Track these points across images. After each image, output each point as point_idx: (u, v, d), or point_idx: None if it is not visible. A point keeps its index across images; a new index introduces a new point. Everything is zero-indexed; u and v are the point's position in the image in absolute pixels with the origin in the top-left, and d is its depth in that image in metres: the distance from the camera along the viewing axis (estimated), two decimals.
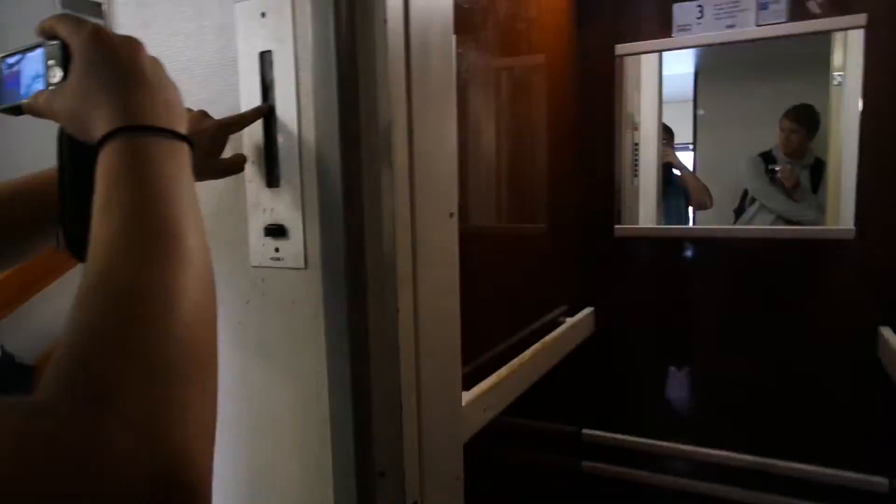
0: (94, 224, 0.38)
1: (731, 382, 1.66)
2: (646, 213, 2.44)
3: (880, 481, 1.47)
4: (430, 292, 0.85)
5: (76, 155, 0.47)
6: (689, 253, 1.69)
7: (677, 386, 1.73)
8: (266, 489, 0.86)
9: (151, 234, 0.37)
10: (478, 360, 1.17)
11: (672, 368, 1.72)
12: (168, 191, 0.40)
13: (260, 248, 0.81)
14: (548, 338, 1.39)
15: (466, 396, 1.03)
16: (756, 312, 1.61)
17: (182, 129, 0.46)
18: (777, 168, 2.90)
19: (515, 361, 1.22)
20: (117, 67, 0.44)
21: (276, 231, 0.79)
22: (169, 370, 0.32)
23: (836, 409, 1.54)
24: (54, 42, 0.46)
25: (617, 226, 1.70)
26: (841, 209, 1.66)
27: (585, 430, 1.80)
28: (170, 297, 0.35)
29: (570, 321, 1.55)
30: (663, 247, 1.71)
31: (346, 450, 0.79)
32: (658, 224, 2.11)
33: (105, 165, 0.40)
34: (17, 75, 0.48)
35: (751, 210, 3.15)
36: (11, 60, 0.49)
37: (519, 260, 1.39)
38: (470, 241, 1.16)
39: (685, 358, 1.70)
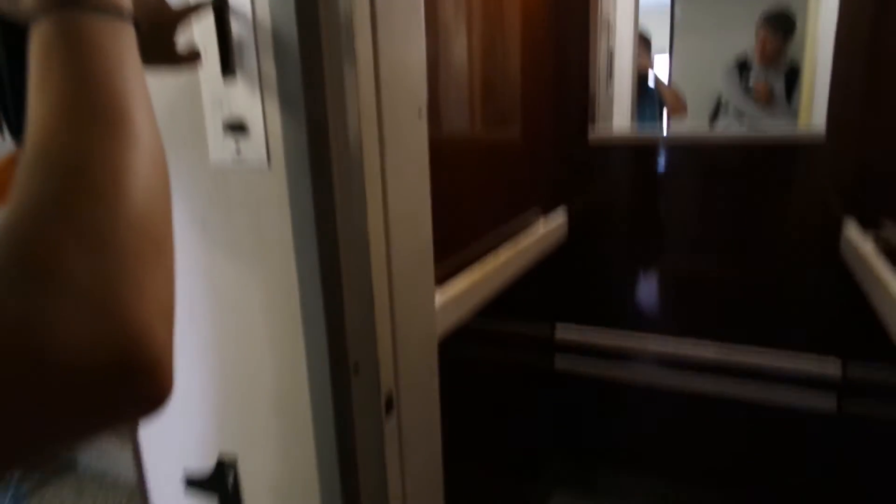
0: (29, 107, 0.35)
1: (700, 279, 1.70)
2: (620, 120, 2.41)
3: (834, 360, 1.56)
4: (399, 188, 0.84)
5: (9, 35, 0.43)
6: (662, 159, 1.69)
7: (650, 284, 1.77)
8: (241, 389, 0.87)
9: (92, 108, 0.35)
10: (451, 260, 1.17)
11: (645, 267, 1.76)
12: (109, 67, 0.37)
13: (220, 145, 0.78)
14: (521, 239, 1.40)
15: (440, 295, 1.04)
16: (726, 214, 1.64)
17: (125, 6, 0.42)
18: (752, 84, 2.88)
19: (489, 262, 1.23)
20: None
21: (235, 127, 0.76)
22: (119, 246, 0.31)
23: (799, 302, 1.60)
24: None
25: (591, 133, 1.68)
26: (813, 115, 1.66)
27: (559, 329, 1.85)
28: (116, 173, 0.33)
29: (543, 223, 1.56)
30: (637, 152, 1.70)
31: (318, 345, 0.80)
32: (632, 130, 2.09)
33: (37, 45, 0.37)
34: None
35: (724, 117, 3.16)
36: None
37: (492, 164, 1.37)
38: (441, 143, 1.14)
39: (659, 256, 1.74)
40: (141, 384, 0.30)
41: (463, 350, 1.26)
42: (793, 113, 2.81)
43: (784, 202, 1.58)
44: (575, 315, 1.85)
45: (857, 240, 1.30)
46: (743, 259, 1.66)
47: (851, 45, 1.46)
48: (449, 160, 1.16)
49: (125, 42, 0.40)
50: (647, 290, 1.78)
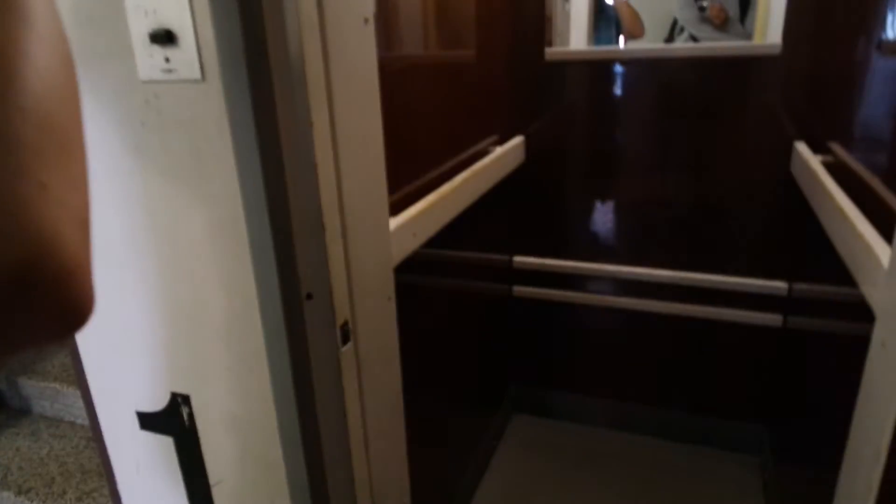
0: None
1: (656, 203, 1.71)
2: (578, 42, 2.35)
3: (781, 285, 1.61)
4: (347, 106, 0.79)
5: None
6: (618, 76, 1.65)
7: (605, 210, 1.77)
8: (189, 322, 0.83)
9: None
10: (406, 187, 1.13)
11: (600, 192, 1.75)
12: None
13: (147, 58, 0.71)
14: (477, 165, 1.37)
15: (395, 221, 1.01)
16: (682, 134, 1.63)
17: None
18: (706, 4, 2.84)
19: (445, 188, 1.19)
20: None
21: (163, 37, 0.69)
22: (15, 140, 0.26)
23: (752, 223, 1.63)
24: None
25: (547, 49, 1.62)
26: (768, 35, 1.64)
27: (517, 257, 1.85)
28: (6, 57, 0.28)
29: (500, 149, 1.52)
30: (593, 71, 1.66)
31: (268, 273, 0.76)
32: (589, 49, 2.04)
33: None
34: None
35: (679, 40, 3.12)
36: None
37: (446, 87, 1.31)
38: (392, 62, 1.08)
39: (614, 181, 1.73)
40: (51, 296, 0.26)
41: (421, 277, 1.23)
42: (747, 35, 2.79)
43: (739, 120, 1.58)
44: (533, 242, 1.84)
45: (809, 159, 1.31)
46: (698, 181, 1.67)
47: None
48: (400, 82, 1.10)
49: None
50: (604, 217, 1.78)
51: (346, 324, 0.84)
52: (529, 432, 1.99)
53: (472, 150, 1.43)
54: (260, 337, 0.80)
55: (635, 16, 2.71)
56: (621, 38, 2.82)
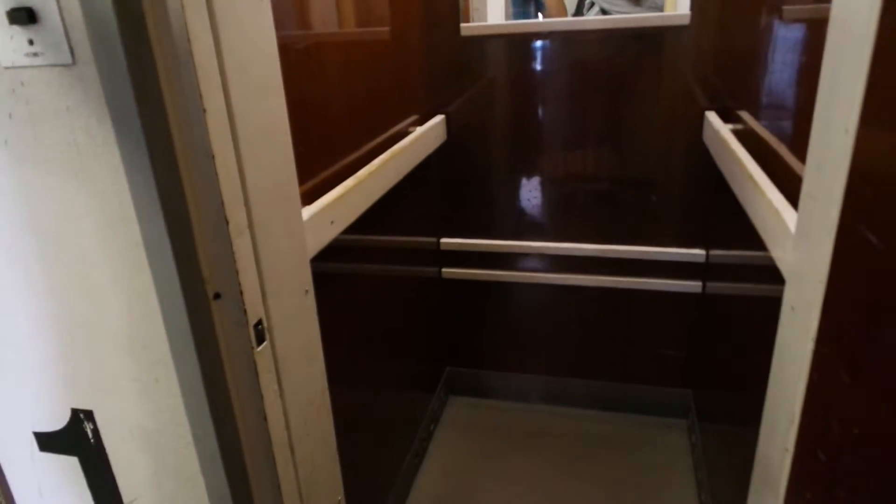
0: None
1: (579, 177, 1.72)
2: (494, 15, 2.33)
3: (699, 252, 1.66)
4: (245, 89, 0.73)
5: None
6: (535, 51, 1.64)
7: (529, 186, 1.77)
8: (86, 331, 0.76)
9: None
10: (322, 174, 1.08)
11: (523, 169, 1.75)
12: None
13: (7, 41, 0.63)
14: (396, 147, 1.32)
15: (310, 210, 0.96)
16: (600, 107, 1.64)
17: None
18: None
19: (362, 172, 1.15)
20: None
21: (23, 16, 0.61)
22: None
23: (670, 194, 1.67)
24: None
25: (463, 24, 1.59)
26: (678, 5, 1.66)
27: (444, 239, 1.83)
28: None
29: (420, 129, 1.48)
30: (510, 45, 1.64)
31: (168, 275, 0.70)
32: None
33: None
34: None
35: (589, 14, 3.16)
36: None
37: (359, 67, 1.26)
38: (297, 45, 1.02)
39: (536, 158, 1.73)
40: None
41: (343, 266, 1.19)
42: (659, 6, 2.85)
43: (654, 93, 1.60)
44: (459, 223, 1.83)
45: (719, 128, 1.35)
46: (618, 154, 1.69)
47: None
48: (307, 62, 1.05)
49: None
50: (528, 194, 1.78)
51: (259, 322, 0.79)
52: (466, 414, 1.99)
53: (391, 132, 1.39)
54: (165, 343, 0.74)
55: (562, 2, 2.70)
56: (539, 15, 2.83)
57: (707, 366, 1.62)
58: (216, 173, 0.69)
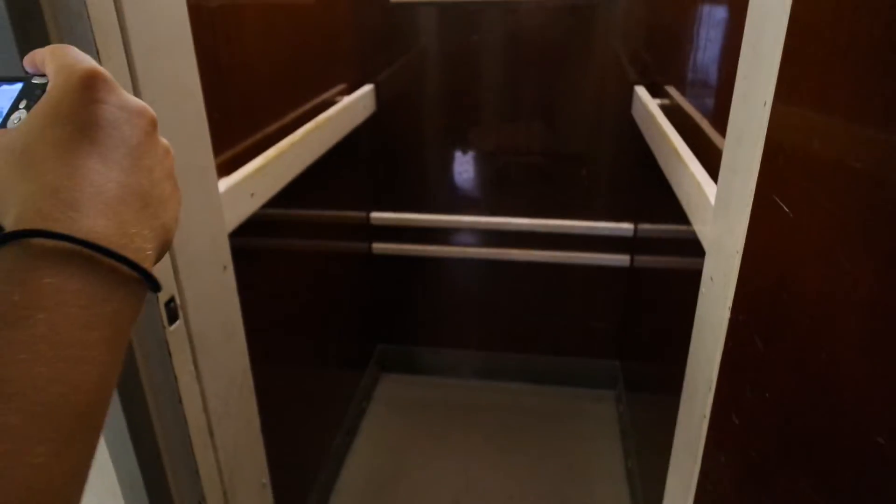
0: None
1: (511, 151, 1.72)
2: None
3: (628, 227, 1.70)
4: (149, 51, 0.67)
5: None
6: (467, 20, 1.61)
7: (461, 160, 1.76)
8: None
9: None
10: (241, 143, 1.02)
11: (455, 142, 1.73)
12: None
13: None
14: (322, 116, 1.27)
15: (227, 182, 0.90)
16: (532, 80, 1.63)
17: (147, 263, 0.29)
18: None
19: (285, 142, 1.10)
20: (93, 137, 0.29)
21: None
22: None
23: (600, 168, 1.69)
24: (42, 78, 0.34)
25: None
26: None
27: (374, 213, 1.79)
28: None
29: (348, 99, 1.43)
30: (442, 14, 1.61)
31: None
32: None
33: None
34: None
35: None
36: None
37: (283, 32, 1.20)
38: (212, 4, 0.95)
39: (467, 130, 1.71)
40: None
41: (266, 240, 1.14)
42: None
43: (585, 67, 1.61)
44: (390, 198, 1.79)
45: (647, 103, 1.36)
46: (549, 128, 1.69)
47: None
48: (224, 24, 0.98)
49: (118, 317, 0.28)
50: (460, 167, 1.77)
51: (172, 300, 0.74)
52: (399, 391, 1.99)
53: (317, 101, 1.33)
54: None
55: None
56: None
57: (634, 338, 1.66)
58: None
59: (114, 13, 0.62)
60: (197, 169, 0.77)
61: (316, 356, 1.49)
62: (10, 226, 0.27)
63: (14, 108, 0.33)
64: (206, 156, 0.80)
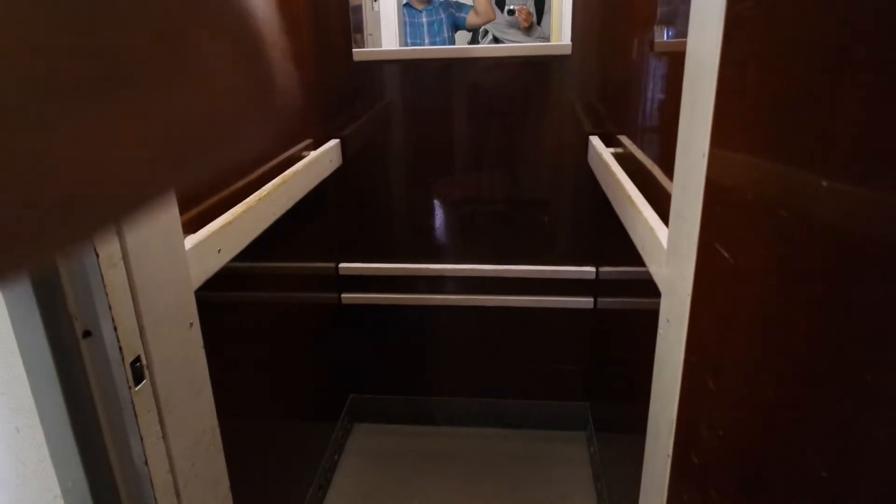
0: None
1: (474, 200, 1.76)
2: (388, 40, 2.36)
3: (590, 270, 1.74)
4: None
5: None
6: (430, 77, 1.67)
7: (426, 210, 1.79)
8: None
9: None
10: (208, 200, 1.04)
11: (420, 193, 1.77)
12: None
13: None
14: (288, 172, 1.29)
15: (193, 238, 0.91)
16: (493, 132, 1.69)
17: None
18: (515, 8, 3.04)
19: (252, 198, 1.11)
20: None
21: None
22: None
23: (561, 214, 1.74)
24: None
25: (355, 49, 1.59)
26: (563, 33, 1.76)
27: (342, 264, 1.81)
28: None
29: (313, 154, 1.46)
30: (403, 71, 1.66)
31: (29, 311, 0.64)
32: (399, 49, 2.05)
33: None
34: None
35: (483, 42, 3.29)
36: None
37: None
38: None
39: (432, 181, 1.75)
40: None
41: (233, 295, 1.14)
42: (545, 35, 3.01)
43: (543, 119, 1.67)
44: (358, 249, 1.81)
45: (602, 152, 1.42)
46: (511, 177, 1.74)
47: None
48: None
49: None
50: (425, 217, 1.80)
51: (137, 360, 0.74)
52: (371, 441, 1.96)
53: (283, 156, 1.36)
54: (25, 388, 0.68)
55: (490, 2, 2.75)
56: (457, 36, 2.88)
57: (601, 378, 1.69)
58: None
59: None
60: (163, 227, 0.78)
61: (286, 410, 1.47)
62: None
63: None
64: (171, 214, 0.81)
